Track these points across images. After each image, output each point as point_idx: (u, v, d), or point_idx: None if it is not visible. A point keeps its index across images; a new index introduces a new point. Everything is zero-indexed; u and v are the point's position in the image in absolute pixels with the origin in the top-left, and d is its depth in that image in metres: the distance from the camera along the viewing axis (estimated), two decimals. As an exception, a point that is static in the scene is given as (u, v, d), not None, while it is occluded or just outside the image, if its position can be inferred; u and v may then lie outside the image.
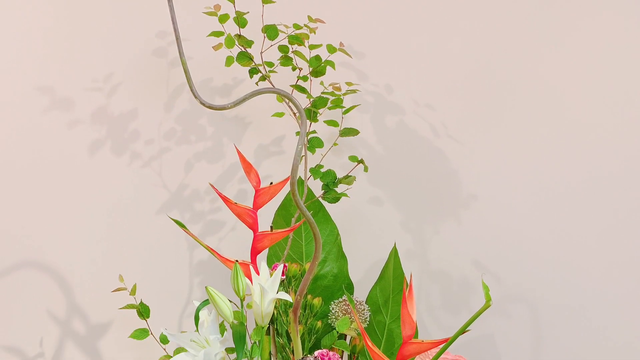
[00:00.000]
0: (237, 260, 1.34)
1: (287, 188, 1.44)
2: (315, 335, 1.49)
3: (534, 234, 1.69)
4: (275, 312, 1.48)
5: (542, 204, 1.70)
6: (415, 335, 1.37)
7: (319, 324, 1.49)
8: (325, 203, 1.59)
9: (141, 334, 1.49)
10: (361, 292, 1.62)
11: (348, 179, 1.55)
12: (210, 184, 1.53)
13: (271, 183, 1.44)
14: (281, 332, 1.49)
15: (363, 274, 1.73)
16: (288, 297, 1.34)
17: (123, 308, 1.50)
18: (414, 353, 1.36)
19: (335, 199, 1.54)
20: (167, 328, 1.36)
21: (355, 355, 1.48)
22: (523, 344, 1.71)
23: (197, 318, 1.34)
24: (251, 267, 1.38)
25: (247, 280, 1.32)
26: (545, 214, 1.70)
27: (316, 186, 1.59)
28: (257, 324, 1.35)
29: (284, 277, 1.50)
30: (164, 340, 1.48)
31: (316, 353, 1.39)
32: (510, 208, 1.71)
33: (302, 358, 1.29)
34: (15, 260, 1.77)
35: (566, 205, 1.69)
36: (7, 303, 1.78)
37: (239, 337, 1.27)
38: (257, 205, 1.42)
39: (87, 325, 1.79)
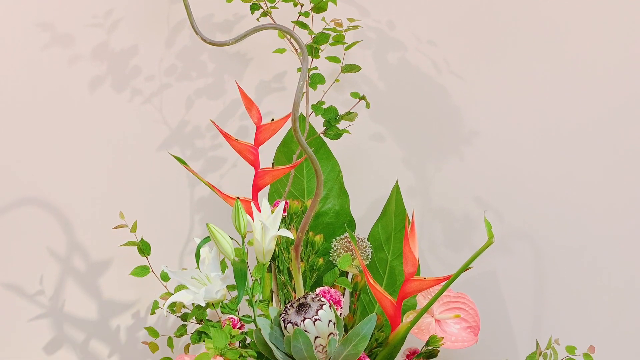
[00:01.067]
0: (238, 197, 1.33)
1: (288, 124, 1.43)
2: (316, 273, 1.48)
3: (536, 171, 1.68)
4: (276, 249, 1.48)
5: (545, 141, 1.68)
6: (418, 272, 1.37)
7: (321, 261, 1.48)
8: (326, 140, 1.58)
9: (142, 271, 1.49)
10: (363, 229, 1.61)
11: (350, 116, 1.54)
12: (211, 121, 1.52)
13: (272, 119, 1.42)
14: (282, 270, 1.49)
15: (365, 211, 1.72)
16: (289, 234, 1.33)
17: (123, 245, 1.50)
18: (416, 290, 1.35)
19: (337, 135, 1.53)
20: (168, 265, 1.36)
21: (357, 292, 1.48)
22: (525, 282, 1.70)
23: (197, 255, 1.34)
24: (252, 204, 1.37)
25: (248, 217, 1.32)
26: (548, 151, 1.68)
27: (318, 123, 1.58)
28: (258, 261, 1.35)
29: (285, 214, 1.49)
30: (164, 277, 1.48)
31: (318, 290, 1.39)
32: (513, 145, 1.69)
33: (304, 295, 1.28)
34: (15, 198, 1.76)
35: (569, 143, 1.67)
36: (7, 240, 1.77)
37: (240, 274, 1.27)
38: (258, 141, 1.41)
39: (88, 262, 1.79)
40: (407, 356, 1.47)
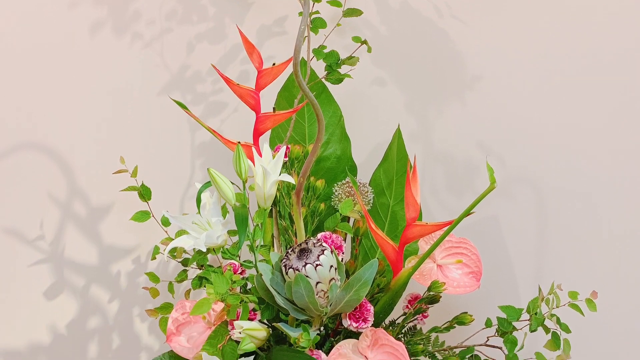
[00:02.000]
0: (239, 142, 1.32)
1: (289, 69, 1.42)
2: (318, 218, 1.48)
3: (539, 116, 1.67)
4: (277, 194, 1.47)
5: (548, 86, 1.66)
6: (419, 217, 1.37)
7: (322, 206, 1.48)
8: (328, 84, 1.57)
9: (142, 216, 1.49)
10: (364, 174, 1.61)
11: (351, 60, 1.52)
12: (212, 65, 1.51)
13: (274, 64, 1.41)
14: (284, 215, 1.48)
15: (366, 156, 1.72)
16: (290, 179, 1.32)
17: (124, 190, 1.49)
18: (417, 235, 1.35)
19: (338, 80, 1.51)
20: (169, 210, 1.35)
21: (359, 237, 1.47)
22: (527, 227, 1.70)
23: (198, 200, 1.33)
24: (253, 149, 1.37)
25: (250, 162, 1.31)
26: (551, 96, 1.67)
27: (319, 67, 1.56)
28: (259, 207, 1.34)
29: (287, 159, 1.48)
30: (165, 222, 1.48)
31: (319, 235, 1.39)
32: (515, 90, 1.68)
33: (305, 241, 1.28)
34: (15, 143, 1.76)
35: (573, 89, 1.66)
36: (8, 185, 1.77)
37: (241, 219, 1.27)
38: (259, 86, 1.40)
39: (88, 207, 1.79)
40: (409, 301, 1.47)
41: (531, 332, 1.36)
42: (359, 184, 1.50)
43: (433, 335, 1.46)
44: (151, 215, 1.48)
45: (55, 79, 1.76)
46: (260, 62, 1.40)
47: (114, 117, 1.77)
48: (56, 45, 1.76)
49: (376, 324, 1.39)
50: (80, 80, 1.76)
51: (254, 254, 1.31)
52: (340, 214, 1.43)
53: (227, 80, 1.39)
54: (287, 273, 1.25)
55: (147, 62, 1.77)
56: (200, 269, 1.45)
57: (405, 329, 1.49)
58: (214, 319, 1.41)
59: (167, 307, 1.52)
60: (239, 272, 1.41)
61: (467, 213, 1.25)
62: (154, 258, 1.53)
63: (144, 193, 1.49)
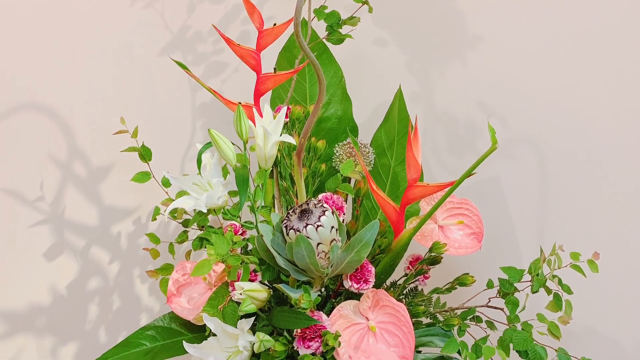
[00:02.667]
0: (240, 103, 1.32)
1: (290, 29, 1.41)
2: (319, 179, 1.48)
3: (541, 77, 1.66)
4: (278, 155, 1.47)
5: (550, 47, 1.65)
6: (421, 178, 1.36)
7: (323, 166, 1.48)
8: (329, 44, 1.56)
9: (143, 177, 1.48)
10: (366, 135, 1.60)
11: (352, 20, 1.51)
12: (213, 25, 1.50)
13: (274, 24, 1.40)
14: (285, 175, 1.48)
15: (367, 116, 1.71)
16: (291, 140, 1.32)
17: (124, 151, 1.49)
18: (419, 196, 1.34)
19: (339, 40, 1.51)
20: (169, 171, 1.35)
21: (360, 198, 1.47)
22: (529, 188, 1.70)
23: (199, 161, 1.32)
24: (254, 110, 1.36)
25: (250, 123, 1.30)
26: (553, 57, 1.66)
27: (320, 27, 1.55)
28: (260, 167, 1.33)
29: (288, 119, 1.48)
30: (165, 183, 1.48)
31: (320, 196, 1.38)
32: (517, 50, 1.67)
33: (306, 201, 1.27)
34: (15, 103, 1.75)
35: (575, 49, 1.64)
36: (7, 145, 1.76)
37: (242, 180, 1.26)
38: (260, 46, 1.39)
39: (88, 168, 1.78)
40: (410, 262, 1.47)
41: (533, 293, 1.36)
42: (360, 144, 1.49)
43: (434, 296, 1.46)
44: (152, 176, 1.48)
45: (55, 39, 1.74)
46: (261, 22, 1.39)
47: (114, 78, 1.76)
48: (56, 5, 1.74)
49: (377, 285, 1.39)
50: (80, 40, 1.75)
51: (255, 215, 1.30)
52: (341, 175, 1.43)
53: (228, 41, 1.39)
54: (288, 234, 1.25)
55: (147, 22, 1.75)
56: (200, 230, 1.46)
57: (407, 290, 1.49)
58: (214, 280, 1.42)
59: (167, 268, 1.52)
60: (239, 233, 1.41)
61: (469, 174, 1.25)
62: (154, 219, 1.52)
63: (145, 154, 1.49)
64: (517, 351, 1.34)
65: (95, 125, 1.77)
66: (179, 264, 1.49)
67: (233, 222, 1.37)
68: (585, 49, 1.64)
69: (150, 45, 1.75)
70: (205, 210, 1.27)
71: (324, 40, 1.52)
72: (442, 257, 1.42)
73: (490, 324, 1.41)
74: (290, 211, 1.26)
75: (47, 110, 1.75)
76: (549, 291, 1.38)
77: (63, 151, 1.77)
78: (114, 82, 1.76)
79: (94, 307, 1.87)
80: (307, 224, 1.23)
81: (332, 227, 1.25)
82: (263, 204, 1.34)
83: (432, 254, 1.41)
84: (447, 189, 1.29)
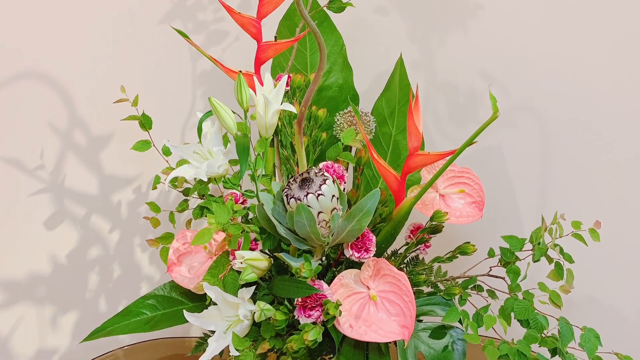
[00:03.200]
0: (240, 71, 1.31)
1: (291, -3, 1.41)
2: (319, 147, 1.47)
3: (542, 45, 1.64)
4: (279, 123, 1.46)
5: (552, 14, 1.64)
6: (422, 147, 1.36)
7: (324, 135, 1.48)
8: (330, 13, 1.55)
9: (143, 145, 1.48)
10: (367, 104, 1.60)
11: (353, -15, 1.50)
12: (211, -7, 1.49)
13: (276, -8, 1.40)
14: (285, 144, 1.48)
15: (368, 85, 1.71)
16: (292, 108, 1.31)
17: (125, 119, 1.48)
18: (420, 165, 1.34)
19: (340, 8, 1.50)
20: (170, 140, 1.34)
21: (361, 167, 1.46)
22: (530, 156, 1.69)
23: (200, 129, 1.32)
24: (255, 78, 1.36)
25: (251, 91, 1.30)
26: (555, 25, 1.64)
27: (321, -7, 1.54)
28: (260, 136, 1.33)
29: (288, 88, 1.47)
30: (166, 152, 1.47)
31: (321, 165, 1.38)
32: (519, 18, 1.65)
33: (307, 170, 1.27)
34: (15, 71, 1.73)
35: (577, 18, 1.63)
36: (8, 114, 1.75)
37: (242, 148, 1.26)
38: (261, 14, 1.38)
39: (89, 137, 1.77)
40: (411, 231, 1.47)
41: (534, 262, 1.36)
42: (361, 113, 1.48)
43: (435, 265, 1.46)
44: (152, 144, 1.47)
45: (55, 7, 1.72)
46: None
47: (114, 46, 1.75)
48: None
49: (378, 254, 1.39)
50: (80, 8, 1.73)
51: (256, 183, 1.30)
52: (342, 144, 1.42)
53: (228, 9, 1.38)
54: (288, 203, 1.24)
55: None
56: (201, 199, 1.45)
57: (408, 259, 1.49)
58: (215, 249, 1.41)
59: (168, 237, 1.52)
60: (240, 202, 1.40)
61: (470, 142, 1.24)
62: (154, 188, 1.52)
63: (145, 122, 1.48)
64: (518, 320, 1.33)
65: (95, 94, 1.75)
66: (179, 232, 1.49)
67: (234, 191, 1.36)
68: (587, 15, 1.63)
69: (151, 13, 1.74)
70: (205, 179, 1.27)
71: (325, 8, 1.51)
72: (443, 226, 1.42)
73: (492, 293, 1.41)
74: (291, 180, 1.26)
75: (48, 79, 1.74)
76: (550, 260, 1.38)
77: (63, 120, 1.76)
78: (114, 50, 1.75)
79: (94, 276, 1.87)
80: (307, 193, 1.23)
81: (333, 195, 1.25)
82: (264, 173, 1.33)
83: (433, 222, 1.40)
84: (448, 158, 1.29)
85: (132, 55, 1.74)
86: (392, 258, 1.47)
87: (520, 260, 1.37)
